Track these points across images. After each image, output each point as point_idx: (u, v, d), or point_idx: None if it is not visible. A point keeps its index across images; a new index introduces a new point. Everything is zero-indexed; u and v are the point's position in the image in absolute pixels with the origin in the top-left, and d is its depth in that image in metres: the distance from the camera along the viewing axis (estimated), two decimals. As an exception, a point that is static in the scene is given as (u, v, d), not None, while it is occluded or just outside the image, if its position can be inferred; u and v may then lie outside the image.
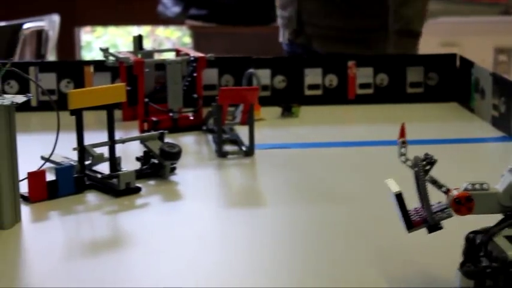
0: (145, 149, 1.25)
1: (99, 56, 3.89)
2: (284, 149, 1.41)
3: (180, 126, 1.50)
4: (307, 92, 1.72)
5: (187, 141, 1.45)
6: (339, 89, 1.72)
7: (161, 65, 1.53)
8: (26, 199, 1.12)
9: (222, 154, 1.35)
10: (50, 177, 1.14)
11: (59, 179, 1.14)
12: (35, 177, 1.12)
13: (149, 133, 1.26)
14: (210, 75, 1.66)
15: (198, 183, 1.24)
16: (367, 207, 1.12)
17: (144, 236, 1.03)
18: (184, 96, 1.52)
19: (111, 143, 1.20)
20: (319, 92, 1.72)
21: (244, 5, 3.14)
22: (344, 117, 1.67)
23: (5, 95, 1.05)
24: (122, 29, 4.63)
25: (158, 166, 1.23)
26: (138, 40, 1.60)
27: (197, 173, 1.29)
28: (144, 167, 1.24)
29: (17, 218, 1.05)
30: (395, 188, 0.87)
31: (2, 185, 1.02)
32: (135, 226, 1.07)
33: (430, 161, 0.86)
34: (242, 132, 1.40)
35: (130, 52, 1.58)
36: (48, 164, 1.22)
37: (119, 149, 1.21)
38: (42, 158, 1.26)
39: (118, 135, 1.22)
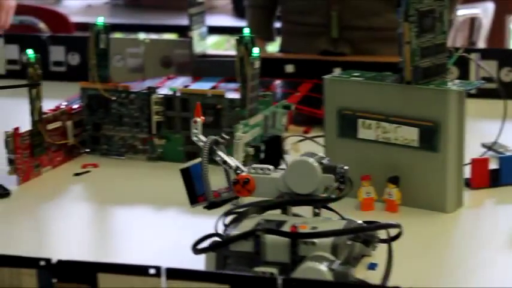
0: None
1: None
2: None
3: None
4: None
5: None
6: None
7: None
8: (468, 185, 1.12)
9: None
10: (493, 165, 1.14)
11: (502, 167, 1.13)
12: (479, 164, 1.12)
13: None
14: None
15: None
16: None
17: None
18: None
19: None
20: None
21: None
22: None
23: (456, 80, 1.07)
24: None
25: None
26: None
27: None
28: None
29: (459, 202, 1.06)
30: (189, 163, 0.90)
31: (448, 168, 1.03)
32: None
33: (218, 141, 0.89)
34: None
35: None
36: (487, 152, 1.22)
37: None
38: (483, 145, 1.26)
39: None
